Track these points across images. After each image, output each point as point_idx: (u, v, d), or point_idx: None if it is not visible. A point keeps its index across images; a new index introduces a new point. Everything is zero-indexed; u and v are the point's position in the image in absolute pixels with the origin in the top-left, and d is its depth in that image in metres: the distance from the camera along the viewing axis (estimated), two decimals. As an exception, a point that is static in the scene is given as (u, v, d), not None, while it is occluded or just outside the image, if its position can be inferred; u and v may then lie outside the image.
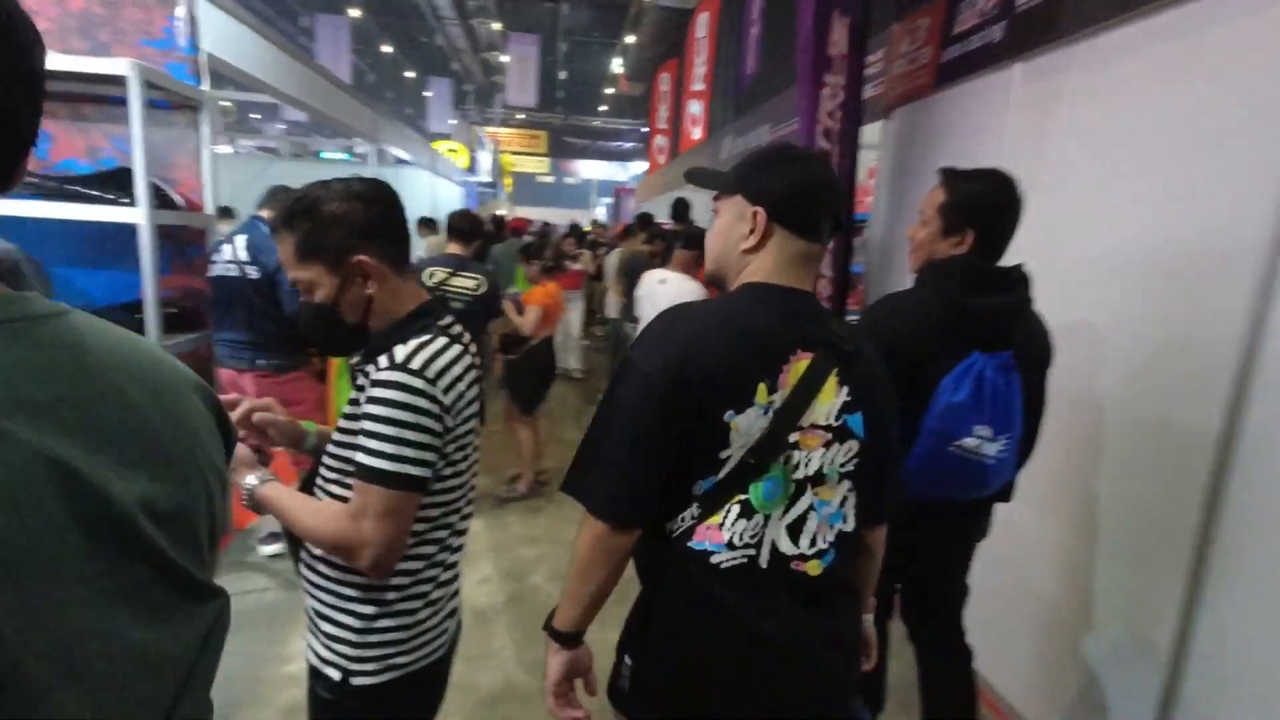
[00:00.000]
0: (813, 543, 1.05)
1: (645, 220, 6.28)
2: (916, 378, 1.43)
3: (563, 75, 23.06)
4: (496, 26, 19.25)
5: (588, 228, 11.65)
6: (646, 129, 13.21)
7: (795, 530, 1.04)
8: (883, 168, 3.28)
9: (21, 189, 2.72)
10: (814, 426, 1.03)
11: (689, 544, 1.03)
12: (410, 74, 23.33)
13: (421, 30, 20.54)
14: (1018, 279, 1.51)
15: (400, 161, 8.33)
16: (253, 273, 2.84)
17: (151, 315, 2.59)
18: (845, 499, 1.08)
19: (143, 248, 2.54)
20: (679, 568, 1.03)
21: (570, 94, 25.70)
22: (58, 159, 2.96)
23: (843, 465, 1.07)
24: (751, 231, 1.09)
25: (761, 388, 1.00)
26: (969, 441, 1.41)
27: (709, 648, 1.04)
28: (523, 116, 26.23)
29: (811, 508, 1.05)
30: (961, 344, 1.43)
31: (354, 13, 16.24)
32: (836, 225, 1.13)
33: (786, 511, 1.04)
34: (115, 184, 2.77)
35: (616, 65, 20.50)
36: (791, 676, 1.05)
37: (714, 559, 1.02)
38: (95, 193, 2.66)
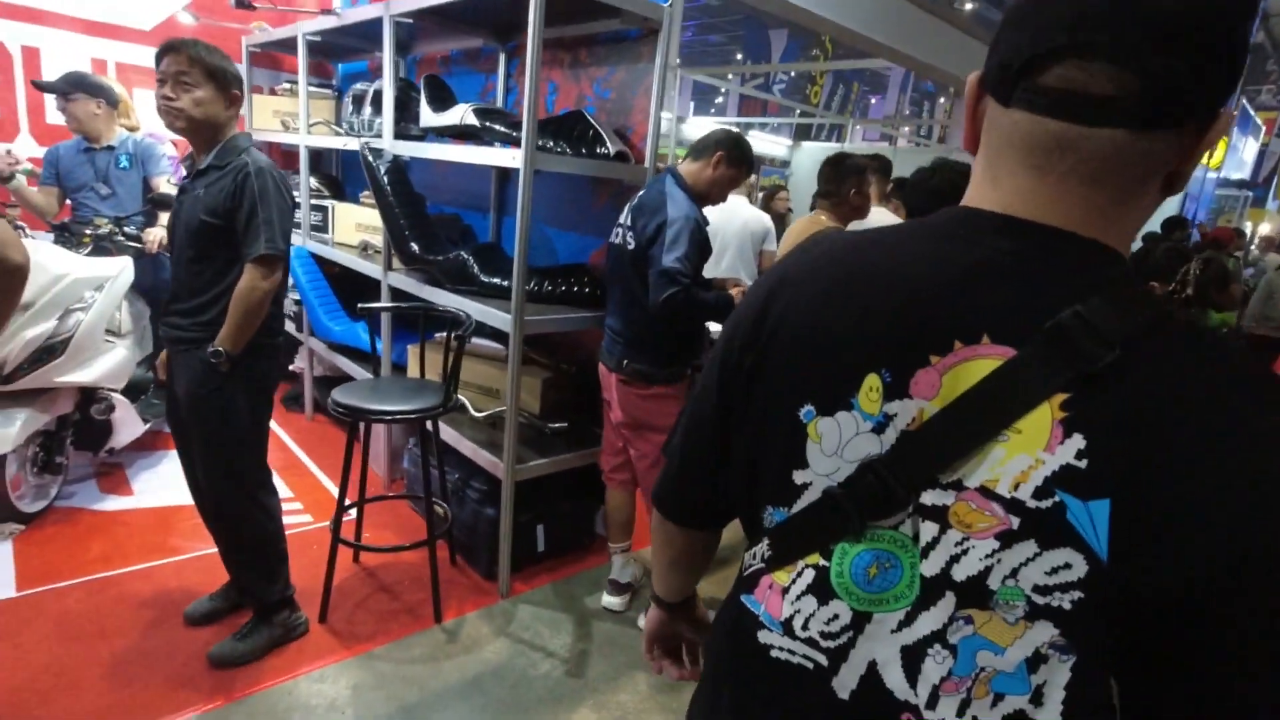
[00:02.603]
0: (934, 698, 0.55)
1: None
2: None
3: None
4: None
5: None
6: None
7: (914, 662, 0.56)
8: None
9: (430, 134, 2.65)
10: (983, 491, 0.53)
11: (743, 595, 0.67)
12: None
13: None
14: None
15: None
16: (630, 240, 2.10)
17: (516, 274, 2.15)
18: (1043, 659, 0.52)
19: (520, 196, 2.09)
20: (726, 619, 0.70)
21: None
22: (557, 111, 2.84)
23: (1040, 590, 0.51)
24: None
25: (871, 381, 0.57)
26: None
27: None
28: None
29: (942, 639, 0.55)
30: None
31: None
32: (1177, 86, 0.49)
33: (908, 623, 0.56)
34: (560, 129, 2.44)
35: None
36: None
37: (762, 637, 0.64)
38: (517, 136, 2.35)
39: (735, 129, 2.29)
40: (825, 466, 0.60)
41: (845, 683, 0.59)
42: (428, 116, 2.64)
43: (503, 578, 2.46)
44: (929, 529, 0.56)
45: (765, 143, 11.29)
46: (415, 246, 2.62)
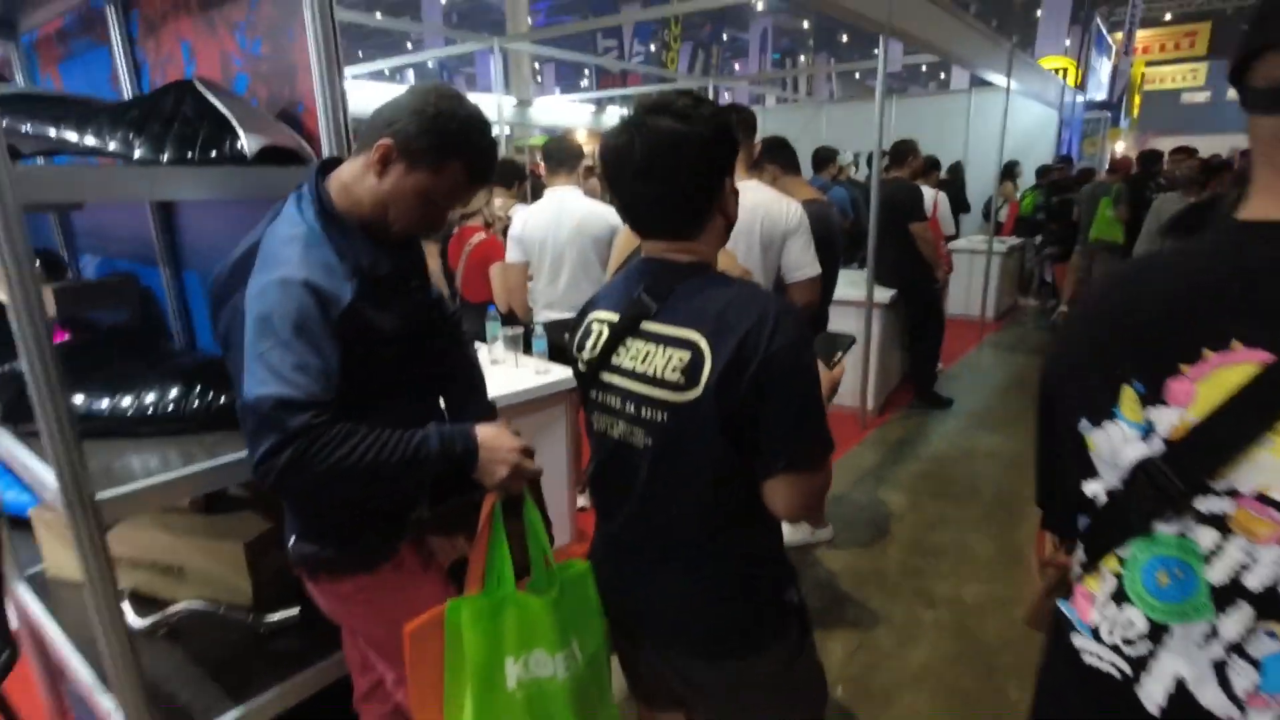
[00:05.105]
0: (1242, 712, 0.55)
1: None
2: None
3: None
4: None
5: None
6: None
7: (1224, 676, 0.57)
8: None
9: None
10: (1261, 498, 0.54)
11: (1060, 600, 0.71)
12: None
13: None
14: None
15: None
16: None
17: (34, 390, 1.02)
18: None
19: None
20: (1052, 620, 0.73)
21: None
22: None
23: None
24: None
25: (1126, 393, 0.61)
26: None
27: None
28: (1171, 13, 18.82)
29: (1241, 651, 0.55)
30: None
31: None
32: None
33: (1214, 636, 0.57)
34: (154, 114, 1.34)
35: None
36: None
37: (1075, 640, 0.67)
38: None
39: (447, 91, 1.13)
40: (1107, 474, 0.64)
41: (1152, 695, 0.60)
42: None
43: None
44: (1209, 536, 0.57)
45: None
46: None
